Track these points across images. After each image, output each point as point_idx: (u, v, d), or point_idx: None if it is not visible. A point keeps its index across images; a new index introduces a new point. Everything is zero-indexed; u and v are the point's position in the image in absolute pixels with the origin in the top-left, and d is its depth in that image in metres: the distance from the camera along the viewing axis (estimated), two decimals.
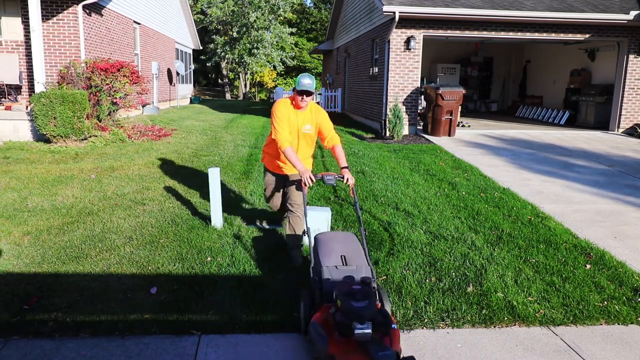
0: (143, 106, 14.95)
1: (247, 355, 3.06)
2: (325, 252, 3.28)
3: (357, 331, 2.57)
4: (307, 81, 4.02)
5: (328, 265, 3.17)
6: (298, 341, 3.22)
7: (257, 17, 30.00)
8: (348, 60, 17.95)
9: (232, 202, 6.08)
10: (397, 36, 11.54)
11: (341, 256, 3.25)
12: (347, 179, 3.95)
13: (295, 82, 4.10)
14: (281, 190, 4.65)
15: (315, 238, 3.47)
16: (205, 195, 6.24)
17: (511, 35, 11.74)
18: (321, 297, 3.05)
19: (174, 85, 19.86)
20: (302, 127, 4.20)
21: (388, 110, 11.72)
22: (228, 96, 37.86)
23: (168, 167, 7.84)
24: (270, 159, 4.50)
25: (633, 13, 11.24)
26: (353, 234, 3.59)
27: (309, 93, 4.04)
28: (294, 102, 4.17)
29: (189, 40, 23.61)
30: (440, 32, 11.61)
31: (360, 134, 12.16)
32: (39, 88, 9.57)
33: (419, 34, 11.55)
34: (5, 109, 9.75)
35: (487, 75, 19.02)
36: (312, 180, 3.88)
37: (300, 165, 3.96)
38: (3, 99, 10.82)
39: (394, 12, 10.91)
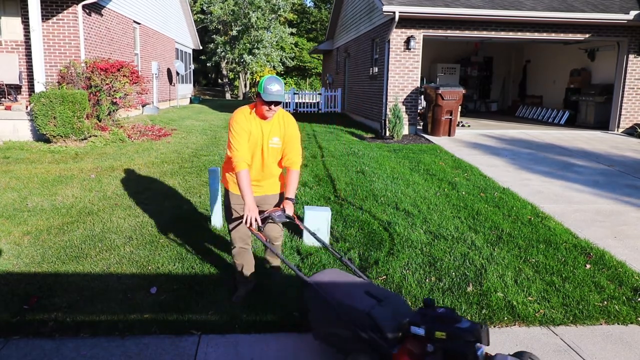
0: (143, 106, 14.95)
1: (247, 355, 3.06)
2: (343, 296, 2.75)
3: (479, 352, 2.37)
4: (276, 88, 3.22)
5: (369, 308, 2.64)
6: (298, 341, 3.22)
7: (257, 17, 30.01)
8: (348, 60, 17.95)
9: None
10: (397, 36, 11.54)
11: (365, 292, 2.77)
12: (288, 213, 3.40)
13: (260, 87, 3.25)
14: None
15: (312, 289, 2.91)
16: (205, 195, 6.24)
17: (511, 35, 11.74)
18: (388, 344, 2.54)
19: (174, 85, 19.86)
20: (268, 140, 3.43)
21: (388, 110, 11.71)
22: (228, 96, 37.86)
23: (168, 167, 7.84)
24: (234, 179, 3.55)
25: (633, 13, 11.24)
26: (335, 269, 3.22)
27: (278, 103, 3.28)
28: (256, 111, 3.40)
29: (189, 40, 23.61)
30: (440, 32, 11.61)
31: (360, 134, 12.16)
32: (38, 88, 9.57)
33: (418, 34, 11.55)
34: (5, 109, 9.75)
35: (487, 75, 19.02)
36: (256, 222, 3.23)
37: (250, 199, 3.26)
38: (3, 99, 10.82)
39: (394, 12, 10.91)
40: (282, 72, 40.27)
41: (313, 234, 3.51)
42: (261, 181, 3.57)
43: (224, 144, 10.18)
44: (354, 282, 2.99)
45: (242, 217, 3.52)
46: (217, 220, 5.18)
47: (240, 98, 37.45)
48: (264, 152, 3.46)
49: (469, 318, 3.54)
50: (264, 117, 3.38)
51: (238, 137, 3.32)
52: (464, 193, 6.66)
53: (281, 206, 3.42)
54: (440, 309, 2.50)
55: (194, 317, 3.45)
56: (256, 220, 3.23)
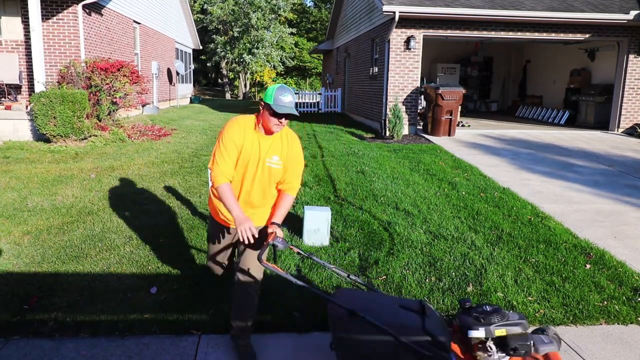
0: (143, 106, 14.95)
1: None
2: (388, 316, 2.50)
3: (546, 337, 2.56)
4: (289, 98, 2.79)
5: (421, 323, 2.48)
6: (298, 341, 3.22)
7: (257, 17, 30.02)
8: (348, 60, 17.95)
9: None
10: (397, 36, 11.54)
11: (401, 307, 2.59)
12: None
13: (268, 96, 2.81)
14: (230, 249, 3.29)
15: (351, 316, 2.49)
16: (205, 195, 6.24)
17: (511, 35, 11.74)
18: (448, 353, 2.47)
19: (174, 85, 19.86)
20: (266, 158, 2.92)
21: (388, 110, 11.72)
22: (228, 96, 37.88)
23: (168, 167, 7.84)
24: (217, 204, 3.11)
25: (633, 13, 11.24)
26: (346, 289, 2.94)
27: (290, 116, 2.83)
28: (261, 125, 2.91)
29: (189, 40, 23.61)
30: (440, 32, 11.61)
31: (360, 134, 12.16)
32: (38, 88, 9.57)
33: (419, 34, 11.56)
34: (5, 109, 9.75)
35: (487, 75, 19.02)
36: (253, 237, 2.75)
37: (238, 211, 2.78)
38: (3, 99, 10.82)
39: (394, 12, 10.91)
40: (282, 72, 40.33)
41: (310, 256, 3.11)
42: (251, 207, 3.03)
43: None
44: (381, 298, 2.81)
45: (216, 238, 3.19)
46: None
47: (240, 98, 37.48)
48: (258, 172, 2.93)
49: None
50: (269, 132, 2.91)
51: (224, 152, 2.85)
52: (464, 193, 6.66)
53: (271, 232, 2.88)
54: (485, 307, 2.53)
55: (194, 317, 3.45)
56: (252, 234, 2.73)
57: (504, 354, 2.46)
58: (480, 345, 2.49)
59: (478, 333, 2.44)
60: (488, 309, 2.51)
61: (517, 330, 2.46)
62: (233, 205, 2.80)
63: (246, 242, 2.75)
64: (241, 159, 2.90)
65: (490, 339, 2.46)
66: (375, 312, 2.49)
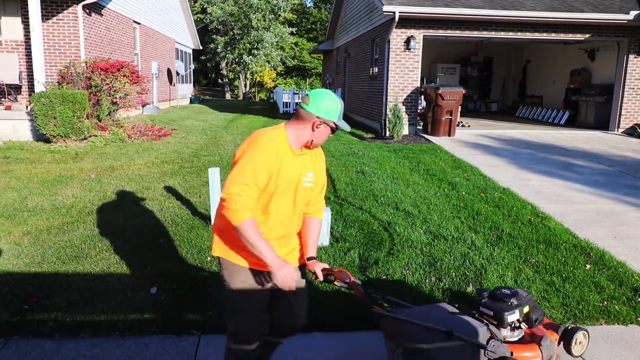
0: (143, 106, 14.95)
1: None
2: (457, 328, 2.43)
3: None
4: (340, 106, 2.34)
5: (480, 321, 2.56)
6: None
7: (257, 19, 30.03)
8: (348, 60, 17.95)
9: None
10: (397, 36, 11.54)
11: (449, 314, 2.62)
12: (322, 273, 2.44)
13: (328, 112, 2.28)
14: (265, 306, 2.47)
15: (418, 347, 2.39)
16: (205, 195, 6.24)
17: (511, 35, 11.74)
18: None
19: (174, 85, 19.86)
20: (302, 178, 2.37)
21: (388, 110, 11.72)
22: (228, 96, 37.87)
23: (168, 167, 7.84)
24: (238, 242, 2.27)
25: (633, 13, 11.24)
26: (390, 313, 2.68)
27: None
28: (300, 141, 2.33)
29: (189, 40, 23.61)
30: (440, 32, 11.61)
31: (360, 134, 12.16)
32: (38, 88, 9.57)
33: (419, 34, 11.56)
34: (5, 109, 9.75)
35: (487, 75, 19.02)
36: (294, 286, 2.22)
37: (274, 255, 2.18)
38: (3, 99, 10.82)
39: (394, 12, 10.91)
40: (282, 72, 40.31)
41: (351, 283, 2.51)
42: (285, 242, 2.43)
43: (224, 144, 10.16)
44: (426, 310, 2.72)
45: (250, 297, 2.34)
46: None
47: (241, 98, 37.48)
48: (298, 197, 2.38)
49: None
50: (307, 147, 2.37)
51: (253, 179, 2.18)
52: (464, 193, 6.66)
53: (314, 270, 2.45)
54: (503, 290, 2.74)
55: (194, 317, 3.45)
56: (295, 279, 2.21)
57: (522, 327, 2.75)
58: (514, 327, 2.73)
59: (514, 316, 2.65)
60: (508, 292, 2.73)
61: (532, 304, 2.75)
62: (265, 247, 2.16)
63: (287, 289, 2.22)
64: (279, 186, 2.27)
65: (521, 317, 2.71)
66: (452, 327, 2.42)
